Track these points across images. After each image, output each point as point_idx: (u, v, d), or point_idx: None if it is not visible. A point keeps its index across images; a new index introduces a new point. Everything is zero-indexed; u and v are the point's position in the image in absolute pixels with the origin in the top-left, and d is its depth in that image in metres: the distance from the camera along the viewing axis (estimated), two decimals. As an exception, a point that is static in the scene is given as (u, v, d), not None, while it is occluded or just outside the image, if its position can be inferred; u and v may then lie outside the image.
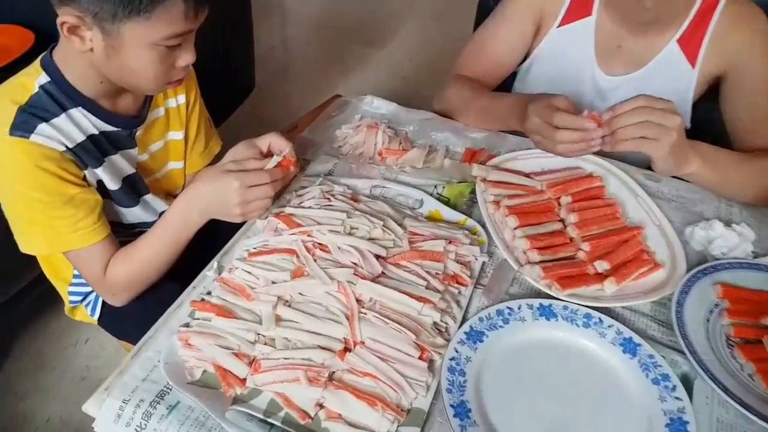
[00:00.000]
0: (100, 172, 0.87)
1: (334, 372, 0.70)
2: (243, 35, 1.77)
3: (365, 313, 0.76)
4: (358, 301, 0.77)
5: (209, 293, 0.79)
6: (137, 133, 0.92)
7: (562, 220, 0.94)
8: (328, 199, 0.91)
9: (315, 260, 0.81)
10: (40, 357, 1.63)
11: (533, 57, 1.19)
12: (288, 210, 0.88)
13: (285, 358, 0.70)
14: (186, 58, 0.80)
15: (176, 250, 0.86)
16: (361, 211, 0.89)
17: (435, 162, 1.08)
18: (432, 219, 0.95)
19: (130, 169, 0.93)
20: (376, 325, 0.74)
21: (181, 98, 1.00)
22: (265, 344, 0.73)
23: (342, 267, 0.80)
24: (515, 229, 0.90)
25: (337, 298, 0.78)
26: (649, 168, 0.96)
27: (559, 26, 1.14)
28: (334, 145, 1.10)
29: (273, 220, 0.86)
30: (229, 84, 1.85)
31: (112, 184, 0.89)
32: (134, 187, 0.95)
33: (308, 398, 0.67)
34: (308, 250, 0.82)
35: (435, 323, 0.77)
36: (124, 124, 0.89)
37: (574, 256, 0.88)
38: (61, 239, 0.82)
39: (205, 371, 0.71)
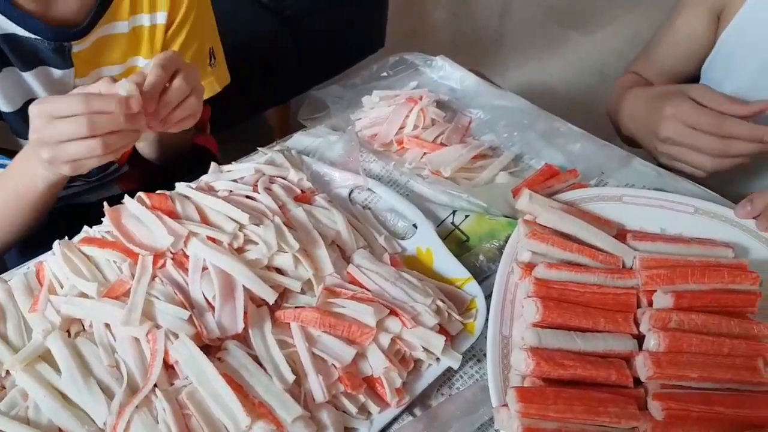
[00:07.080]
0: None
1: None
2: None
3: (160, 401, 0.42)
4: (168, 367, 0.44)
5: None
6: (74, 49, 0.68)
7: (638, 336, 0.47)
8: (255, 189, 0.57)
9: (154, 278, 0.49)
10: None
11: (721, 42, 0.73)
12: (181, 189, 0.57)
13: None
14: None
15: (16, 208, 0.61)
16: (292, 220, 0.54)
17: (482, 174, 0.67)
18: (415, 264, 0.56)
19: (44, 94, 0.69)
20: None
21: (161, 16, 0.73)
22: (-6, 392, 0.44)
23: (186, 304, 0.47)
24: (535, 326, 0.47)
25: (144, 353, 0.45)
26: None
27: None
28: (352, 116, 0.75)
29: (142, 197, 0.55)
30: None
31: (4, 104, 0.67)
32: None
33: None
34: (157, 258, 0.50)
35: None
36: (47, 32, 0.65)
37: None
38: None
39: None
